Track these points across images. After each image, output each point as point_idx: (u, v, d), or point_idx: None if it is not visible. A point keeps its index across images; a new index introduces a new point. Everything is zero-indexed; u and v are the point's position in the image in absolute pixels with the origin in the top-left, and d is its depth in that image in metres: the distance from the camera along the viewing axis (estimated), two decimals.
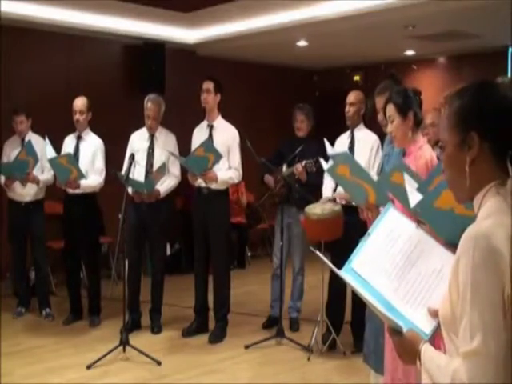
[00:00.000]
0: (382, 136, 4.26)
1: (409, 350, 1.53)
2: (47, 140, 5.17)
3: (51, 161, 5.10)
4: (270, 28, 6.86)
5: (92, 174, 5.28)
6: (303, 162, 4.91)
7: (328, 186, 4.76)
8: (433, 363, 1.43)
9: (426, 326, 1.58)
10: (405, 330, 1.54)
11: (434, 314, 1.57)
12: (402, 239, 1.73)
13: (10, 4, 6.18)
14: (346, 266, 1.72)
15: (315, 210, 4.55)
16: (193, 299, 5.21)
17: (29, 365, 4.48)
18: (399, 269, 1.68)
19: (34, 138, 5.58)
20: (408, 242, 1.71)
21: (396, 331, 1.55)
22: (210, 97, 5.02)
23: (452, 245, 1.44)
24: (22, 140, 5.60)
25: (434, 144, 3.86)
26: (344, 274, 1.69)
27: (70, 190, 5.26)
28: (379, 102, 3.59)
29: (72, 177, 5.09)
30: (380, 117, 3.65)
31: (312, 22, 6.49)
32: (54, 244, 6.21)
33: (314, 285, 4.94)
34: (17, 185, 5.48)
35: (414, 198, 2.30)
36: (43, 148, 5.48)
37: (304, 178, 4.98)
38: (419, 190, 2.41)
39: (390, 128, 3.14)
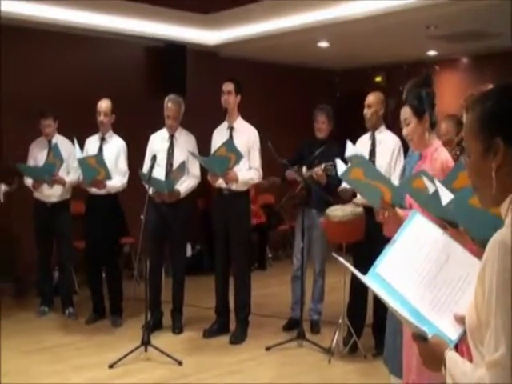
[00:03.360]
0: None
1: (434, 357, 1.50)
2: (75, 141, 5.22)
3: (80, 161, 5.16)
4: (292, 29, 6.85)
5: (115, 175, 5.31)
6: (322, 165, 4.88)
7: (347, 187, 4.71)
8: (458, 370, 1.41)
9: (451, 332, 1.55)
10: (430, 336, 1.52)
11: (461, 320, 1.55)
12: (429, 245, 1.71)
13: (34, 7, 6.25)
14: (371, 270, 1.70)
15: (336, 211, 4.53)
16: (214, 300, 5.22)
17: (51, 363, 4.53)
18: (425, 274, 1.66)
19: (60, 139, 5.64)
20: (434, 248, 1.69)
21: (421, 337, 1.53)
22: (230, 98, 5.02)
23: (483, 245, 1.41)
24: (49, 142, 5.65)
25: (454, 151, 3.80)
26: (368, 278, 1.67)
27: (93, 190, 5.30)
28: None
29: (99, 177, 5.14)
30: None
31: (333, 23, 6.47)
32: (78, 244, 6.26)
33: (335, 287, 4.91)
34: (44, 186, 5.55)
35: (446, 196, 2.25)
36: (69, 149, 5.55)
37: (324, 180, 4.95)
38: (444, 185, 2.36)
39: (405, 131, 3.11)
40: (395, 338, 3.33)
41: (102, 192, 5.30)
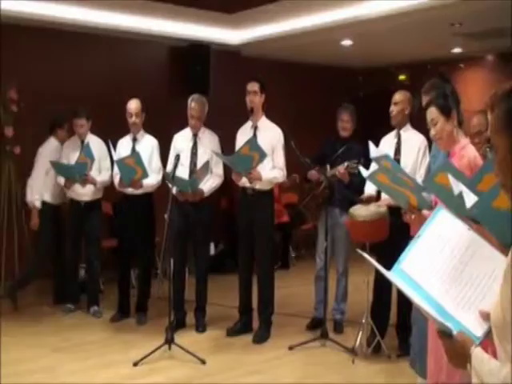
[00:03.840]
0: (430, 137, 4.18)
1: (459, 353, 1.50)
2: (110, 144, 5.30)
3: (118, 162, 5.21)
4: (315, 28, 6.84)
5: (150, 173, 5.30)
6: (345, 164, 4.87)
7: (371, 186, 4.70)
8: (484, 367, 1.40)
9: (477, 329, 1.54)
10: (455, 332, 1.52)
11: (486, 317, 1.54)
12: (454, 240, 1.70)
13: (56, 8, 6.34)
14: (395, 266, 1.70)
15: (360, 211, 4.51)
16: (237, 299, 5.24)
17: (77, 360, 4.59)
18: (450, 270, 1.65)
19: (93, 139, 5.71)
20: (459, 244, 1.68)
21: (446, 334, 1.53)
22: (256, 98, 5.04)
23: (507, 247, 1.40)
24: (82, 142, 5.72)
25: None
26: (393, 274, 1.67)
27: (129, 190, 5.35)
28: (426, 101, 3.53)
29: (137, 177, 5.18)
30: None
31: (357, 21, 6.45)
32: (105, 243, 6.33)
33: (359, 286, 4.90)
34: (76, 185, 5.62)
35: (470, 198, 2.25)
36: (101, 149, 5.62)
37: (347, 179, 4.94)
38: (467, 187, 2.36)
39: (433, 131, 3.08)
40: (422, 338, 3.31)
41: (139, 191, 5.34)
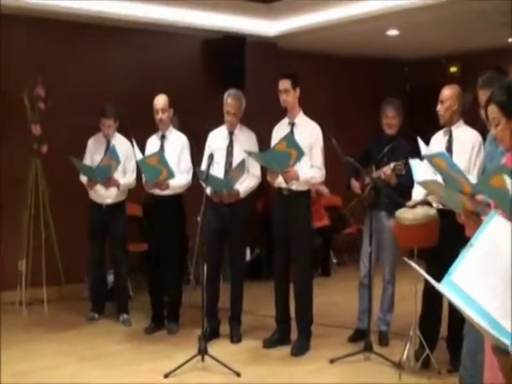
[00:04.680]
0: (484, 133, 4.10)
1: None
2: (134, 143, 5.31)
3: (140, 162, 5.23)
4: (358, 17, 6.79)
5: (179, 173, 5.31)
6: (392, 165, 4.81)
7: (419, 191, 4.62)
8: None
9: None
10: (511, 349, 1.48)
11: None
12: (508, 250, 1.66)
13: (86, 1, 6.42)
14: (446, 278, 1.67)
15: (407, 214, 4.46)
16: (274, 308, 5.23)
17: (103, 370, 4.64)
18: (505, 282, 1.61)
19: (118, 139, 5.77)
20: None
21: (502, 350, 1.49)
22: (289, 97, 5.01)
23: None
24: (108, 142, 5.78)
25: None
26: (443, 286, 1.64)
27: (158, 191, 5.37)
28: (482, 96, 3.43)
29: (162, 177, 5.19)
30: (483, 112, 3.51)
31: (404, 9, 6.38)
32: (133, 247, 6.39)
33: (406, 295, 4.83)
34: (99, 186, 5.69)
35: None
36: (127, 150, 5.67)
37: (394, 181, 4.89)
38: None
39: (493, 131, 2.99)
40: (475, 354, 3.24)
41: (167, 192, 5.35)
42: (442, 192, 3.12)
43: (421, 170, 3.70)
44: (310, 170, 4.98)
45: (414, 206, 4.49)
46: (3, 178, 6.38)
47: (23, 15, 6.38)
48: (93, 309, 5.94)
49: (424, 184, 3.28)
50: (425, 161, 3.53)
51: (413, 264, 1.72)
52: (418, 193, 4.63)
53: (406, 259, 1.93)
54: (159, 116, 5.43)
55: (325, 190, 7.63)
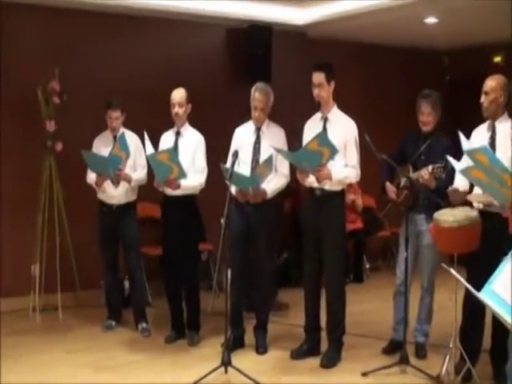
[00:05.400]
0: None
1: None
2: (146, 137, 5.32)
3: (150, 157, 5.26)
4: (393, 4, 6.76)
5: (192, 173, 5.36)
6: (430, 168, 4.77)
7: (460, 185, 4.58)
8: None
9: None
10: None
11: None
12: None
13: None
14: (486, 287, 1.66)
15: (446, 216, 4.44)
16: (303, 316, 5.23)
17: (122, 381, 4.68)
18: None
19: (127, 133, 5.73)
20: None
21: None
22: (323, 91, 4.98)
23: None
24: (114, 137, 5.80)
25: None
26: (484, 295, 1.63)
27: (169, 191, 5.41)
28: None
29: (172, 176, 5.22)
30: None
31: None
32: (150, 250, 6.43)
33: (445, 304, 4.79)
34: (108, 185, 5.72)
35: None
36: (136, 144, 5.70)
37: (432, 185, 4.84)
38: None
39: None
40: None
41: (178, 193, 5.39)
42: (486, 179, 3.09)
43: (462, 160, 3.67)
44: (344, 169, 4.96)
45: (455, 199, 4.44)
46: (15, 177, 6.47)
47: (36, 4, 6.44)
48: (110, 316, 5.99)
49: (466, 172, 3.25)
50: (465, 156, 3.51)
51: (451, 270, 1.71)
52: (460, 182, 4.55)
53: (445, 266, 1.92)
54: (175, 110, 5.46)
55: (360, 204, 7.66)
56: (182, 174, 5.21)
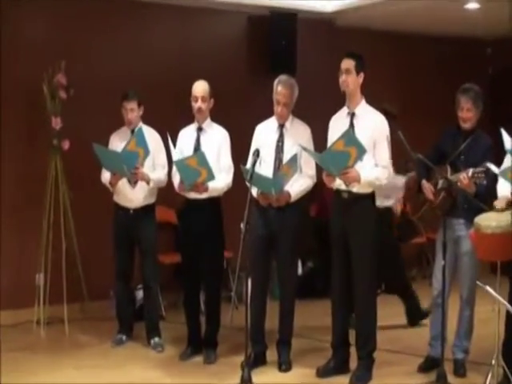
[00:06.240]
0: None
1: None
2: (169, 137, 5.31)
3: (178, 163, 5.25)
4: None
5: (217, 172, 5.30)
6: (470, 172, 4.73)
7: (504, 187, 4.54)
8: None
9: None
10: None
11: None
12: None
13: None
14: None
15: (488, 221, 4.41)
16: (330, 330, 5.22)
17: None
18: None
19: (146, 129, 5.71)
20: None
21: None
22: (350, 78, 4.98)
23: None
24: (132, 132, 5.77)
25: None
26: None
27: (192, 194, 5.40)
28: None
29: (200, 179, 5.21)
30: None
31: None
32: (165, 258, 6.43)
33: (487, 318, 4.77)
34: (124, 187, 5.72)
35: None
36: (156, 141, 5.70)
37: (472, 190, 4.79)
38: None
39: None
40: None
41: (203, 196, 5.36)
42: None
43: (505, 160, 3.63)
44: (373, 169, 4.94)
45: (503, 209, 4.41)
46: (19, 178, 6.53)
47: None
48: (120, 330, 6.00)
49: (505, 174, 3.22)
50: (508, 156, 3.48)
51: (487, 287, 1.69)
52: (504, 189, 4.52)
53: (480, 283, 1.90)
54: (198, 104, 5.45)
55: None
56: (211, 177, 5.20)
